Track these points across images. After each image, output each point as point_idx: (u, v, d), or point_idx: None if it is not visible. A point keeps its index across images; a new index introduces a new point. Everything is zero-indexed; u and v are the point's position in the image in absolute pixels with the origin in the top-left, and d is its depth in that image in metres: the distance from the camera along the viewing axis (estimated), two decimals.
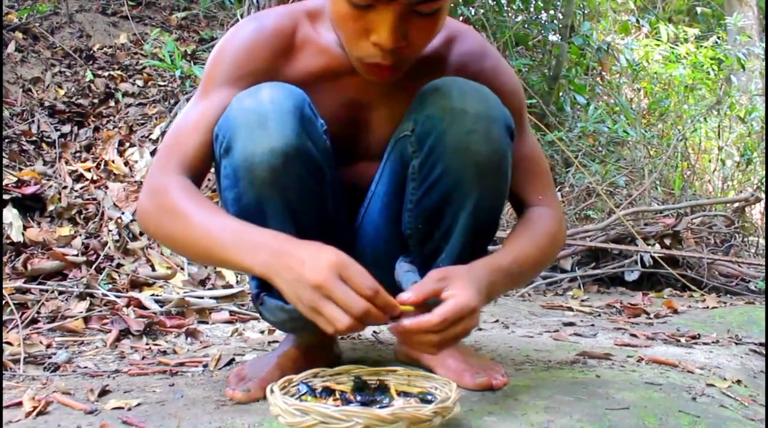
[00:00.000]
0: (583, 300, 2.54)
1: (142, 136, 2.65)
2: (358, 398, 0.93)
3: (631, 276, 2.78)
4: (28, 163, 2.38)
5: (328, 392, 0.96)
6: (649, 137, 4.97)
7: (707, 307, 2.39)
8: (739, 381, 1.39)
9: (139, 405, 1.14)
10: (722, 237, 3.09)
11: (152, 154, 2.54)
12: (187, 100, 2.65)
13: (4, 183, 2.08)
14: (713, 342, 1.78)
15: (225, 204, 1.11)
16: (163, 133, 2.65)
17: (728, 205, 3.16)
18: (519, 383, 1.23)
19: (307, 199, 1.08)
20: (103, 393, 1.21)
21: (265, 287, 1.18)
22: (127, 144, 2.53)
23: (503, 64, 1.25)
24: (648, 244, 2.71)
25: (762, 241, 2.86)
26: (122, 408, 1.12)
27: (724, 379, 1.40)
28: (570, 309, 2.36)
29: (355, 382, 0.98)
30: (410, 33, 1.02)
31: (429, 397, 0.94)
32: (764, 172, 3.79)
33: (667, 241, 2.71)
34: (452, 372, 1.22)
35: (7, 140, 2.48)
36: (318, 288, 0.89)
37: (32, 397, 1.16)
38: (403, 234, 1.23)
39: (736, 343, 1.82)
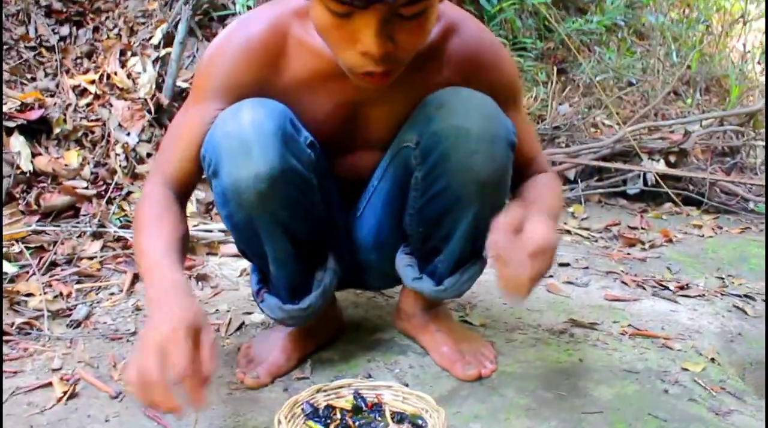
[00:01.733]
0: (582, 219, 2.60)
1: (143, 40, 2.56)
2: (356, 424, 1.03)
3: (633, 190, 2.81)
4: (28, 75, 2.34)
5: (330, 409, 1.06)
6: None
7: (702, 236, 2.45)
8: (713, 359, 1.49)
9: None
10: (730, 147, 3.07)
11: (155, 62, 2.47)
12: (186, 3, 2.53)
13: (7, 107, 2.06)
14: (699, 296, 1.86)
15: (221, 217, 1.15)
16: (164, 36, 2.56)
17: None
18: (507, 369, 1.33)
19: (296, 213, 1.11)
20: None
21: (265, 282, 1.25)
22: (129, 53, 2.45)
23: (502, 55, 1.22)
24: (653, 160, 2.71)
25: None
26: None
27: (700, 355, 1.50)
28: (569, 232, 2.43)
29: (355, 399, 1.08)
30: (397, 36, 0.97)
31: (420, 421, 1.04)
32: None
33: (673, 159, 2.70)
34: (446, 360, 1.32)
35: (6, 47, 2.41)
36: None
37: (61, 377, 1.27)
38: (404, 229, 1.27)
39: (722, 294, 1.91)
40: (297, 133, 1.08)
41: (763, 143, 3.15)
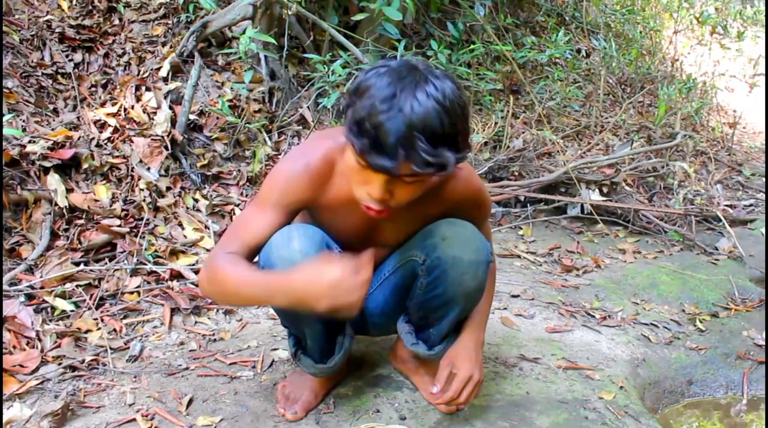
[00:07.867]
0: (530, 242, 3.09)
1: (152, 70, 2.83)
2: None
3: (573, 212, 3.32)
4: (51, 106, 2.59)
5: None
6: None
7: (625, 261, 2.99)
8: (622, 387, 2.01)
9: (221, 420, 1.66)
10: (652, 183, 3.61)
11: (166, 95, 2.75)
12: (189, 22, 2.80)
13: (42, 147, 2.34)
14: (617, 326, 2.39)
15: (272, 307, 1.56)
16: (171, 67, 2.83)
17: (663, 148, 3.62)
18: (475, 402, 1.81)
19: None
20: (189, 402, 1.72)
21: (300, 346, 1.67)
22: (143, 88, 2.72)
23: (482, 193, 1.66)
24: (590, 189, 3.22)
25: (683, 193, 3.39)
26: (210, 425, 1.65)
27: (613, 383, 2.02)
28: (518, 256, 2.92)
29: None
30: (396, 191, 1.38)
31: None
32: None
33: (605, 189, 3.21)
34: (433, 398, 1.78)
35: (24, 75, 2.64)
36: (326, 311, 1.33)
37: (141, 414, 1.66)
38: (405, 306, 1.71)
39: (634, 323, 2.44)
40: (330, 252, 1.49)
41: (676, 169, 3.70)
